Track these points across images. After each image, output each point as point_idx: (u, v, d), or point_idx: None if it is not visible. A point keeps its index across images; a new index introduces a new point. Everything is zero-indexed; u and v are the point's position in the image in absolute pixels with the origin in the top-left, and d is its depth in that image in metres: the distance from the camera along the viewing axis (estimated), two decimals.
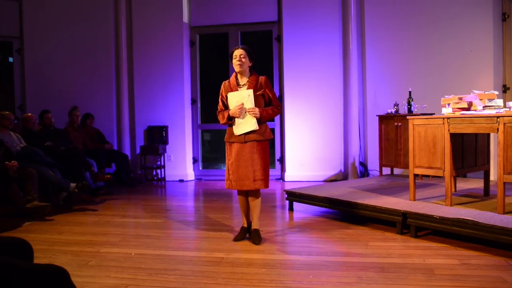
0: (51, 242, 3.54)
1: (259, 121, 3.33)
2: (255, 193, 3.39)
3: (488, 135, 4.11)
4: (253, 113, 3.30)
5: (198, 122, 7.50)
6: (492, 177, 4.90)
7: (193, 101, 7.44)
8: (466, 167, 3.81)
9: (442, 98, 3.73)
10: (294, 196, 4.58)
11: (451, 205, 3.58)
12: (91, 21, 7.45)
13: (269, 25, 7.16)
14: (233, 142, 3.38)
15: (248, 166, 3.30)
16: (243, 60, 3.33)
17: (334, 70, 6.76)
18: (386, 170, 5.94)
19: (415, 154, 3.81)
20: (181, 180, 7.27)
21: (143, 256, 3.12)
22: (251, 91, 3.31)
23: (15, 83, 7.67)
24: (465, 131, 3.47)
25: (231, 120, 3.37)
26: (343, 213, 4.23)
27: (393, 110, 5.79)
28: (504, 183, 3.22)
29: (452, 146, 3.57)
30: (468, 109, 3.51)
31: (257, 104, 3.33)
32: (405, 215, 3.51)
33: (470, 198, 3.95)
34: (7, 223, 4.20)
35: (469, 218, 3.11)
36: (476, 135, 3.89)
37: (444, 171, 3.59)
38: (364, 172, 6.70)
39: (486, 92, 3.49)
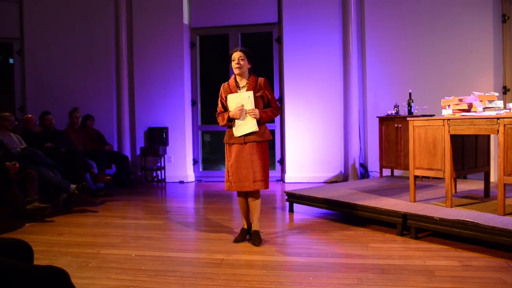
0: (51, 244, 3.54)
1: (259, 122, 3.33)
2: (255, 194, 3.39)
3: (488, 136, 4.11)
4: (253, 115, 3.30)
5: (198, 123, 7.51)
6: (492, 178, 4.89)
7: (193, 103, 7.45)
8: (466, 168, 3.81)
9: (442, 100, 3.74)
10: (294, 198, 4.58)
11: (451, 207, 3.57)
12: (91, 22, 7.46)
13: (269, 26, 7.17)
14: (233, 144, 3.38)
15: (248, 167, 3.30)
16: (242, 62, 3.33)
17: (334, 71, 6.77)
18: (386, 172, 5.93)
19: (415, 155, 3.81)
20: (181, 182, 7.27)
21: (143, 258, 3.12)
22: (251, 93, 3.31)
23: (15, 85, 7.68)
24: (465, 133, 3.48)
25: (231, 121, 3.37)
26: (343, 214, 4.23)
27: (393, 112, 5.79)
28: (505, 184, 3.22)
29: (452, 147, 3.57)
30: (468, 110, 3.51)
31: (256, 105, 3.34)
32: (405, 216, 3.51)
33: (470, 199, 3.95)
34: (7, 224, 4.20)
35: (470, 220, 3.10)
36: (476, 136, 3.89)
37: (444, 172, 3.59)
38: (364, 173, 6.70)
39: (486, 94, 3.49)
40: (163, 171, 7.20)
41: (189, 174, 7.35)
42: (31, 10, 7.53)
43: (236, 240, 3.47)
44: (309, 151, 6.82)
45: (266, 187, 3.35)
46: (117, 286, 2.59)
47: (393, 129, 5.66)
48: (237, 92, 3.38)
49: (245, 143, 3.33)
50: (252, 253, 3.20)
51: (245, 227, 3.54)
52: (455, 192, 4.31)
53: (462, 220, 3.13)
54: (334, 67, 6.76)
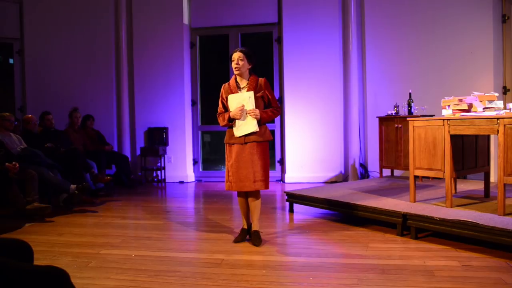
0: (51, 244, 3.54)
1: (259, 122, 3.34)
2: (255, 194, 3.39)
3: (488, 136, 4.11)
4: (254, 115, 3.30)
5: (198, 123, 7.51)
6: (492, 178, 4.89)
7: (193, 103, 7.45)
8: (466, 168, 3.81)
9: (442, 100, 3.74)
10: (294, 198, 4.58)
11: (451, 207, 3.57)
12: (91, 22, 7.46)
13: (269, 26, 7.17)
14: (233, 144, 3.39)
15: (248, 167, 3.30)
16: (241, 63, 3.34)
17: (334, 71, 6.77)
18: (386, 172, 5.93)
19: (415, 155, 3.81)
20: (181, 182, 7.27)
21: (143, 258, 3.12)
22: (251, 93, 3.32)
23: (15, 85, 7.68)
24: (465, 133, 3.48)
25: (231, 122, 3.38)
26: (343, 214, 4.23)
27: (393, 112, 5.79)
28: (504, 184, 3.22)
29: (452, 147, 3.57)
30: (468, 110, 3.51)
31: (256, 105, 3.34)
32: (405, 216, 3.51)
33: (470, 199, 3.95)
34: (7, 225, 4.20)
35: (469, 220, 3.11)
36: (476, 136, 3.89)
37: (444, 172, 3.59)
38: (364, 173, 6.70)
39: (486, 94, 3.50)
40: (163, 171, 7.20)
41: (189, 174, 7.35)
42: (31, 10, 7.53)
43: (236, 240, 3.47)
44: (309, 151, 6.82)
45: (266, 187, 3.35)
46: (117, 286, 2.59)
47: (393, 129, 5.66)
48: (238, 92, 3.39)
49: (246, 143, 3.34)
50: (252, 253, 3.21)
51: (245, 227, 3.55)
52: (455, 192, 4.32)
53: (462, 220, 3.13)
54: (334, 67, 6.76)
